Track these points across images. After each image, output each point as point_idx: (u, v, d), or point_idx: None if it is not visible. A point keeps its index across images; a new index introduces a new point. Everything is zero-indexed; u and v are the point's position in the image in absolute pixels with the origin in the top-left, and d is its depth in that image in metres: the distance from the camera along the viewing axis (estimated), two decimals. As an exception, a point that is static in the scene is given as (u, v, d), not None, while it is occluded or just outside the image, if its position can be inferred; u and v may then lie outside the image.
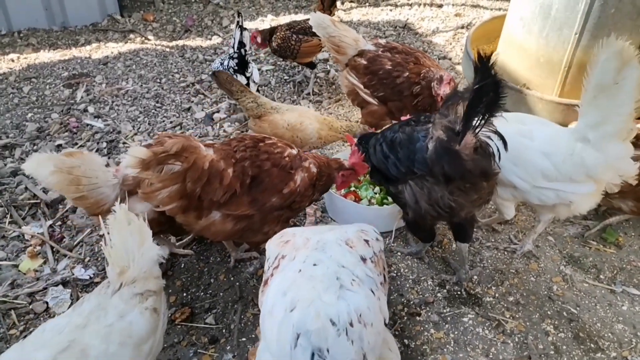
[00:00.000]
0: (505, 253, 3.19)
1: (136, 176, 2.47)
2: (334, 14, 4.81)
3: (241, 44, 4.53)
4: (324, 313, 1.63)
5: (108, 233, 2.06)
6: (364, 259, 1.97)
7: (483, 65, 2.06)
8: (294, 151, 2.84)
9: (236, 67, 4.50)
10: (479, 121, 2.15)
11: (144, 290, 2.08)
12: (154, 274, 2.16)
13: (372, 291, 1.86)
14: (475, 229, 3.22)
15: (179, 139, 2.43)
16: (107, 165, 2.83)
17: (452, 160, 2.27)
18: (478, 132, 2.23)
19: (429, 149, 2.35)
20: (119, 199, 2.56)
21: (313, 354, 1.59)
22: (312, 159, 2.86)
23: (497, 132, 2.33)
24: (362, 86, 3.77)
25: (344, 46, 3.81)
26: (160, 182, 2.39)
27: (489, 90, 2.06)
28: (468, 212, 2.59)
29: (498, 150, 2.35)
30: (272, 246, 2.14)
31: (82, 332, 1.90)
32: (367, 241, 2.07)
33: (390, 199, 3.30)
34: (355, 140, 2.99)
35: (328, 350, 1.58)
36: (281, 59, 5.40)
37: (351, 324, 1.64)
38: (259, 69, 5.60)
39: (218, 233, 2.70)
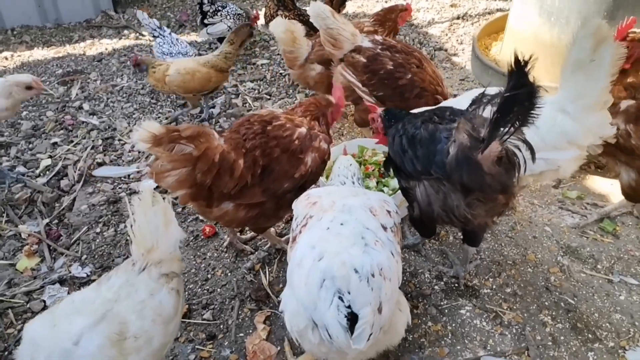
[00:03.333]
0: (502, 245, 3.18)
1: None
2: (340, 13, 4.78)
3: (201, 3, 5.47)
4: (349, 263, 1.79)
5: (133, 213, 2.08)
6: (384, 228, 2.10)
7: (519, 71, 1.86)
8: (303, 130, 2.76)
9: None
10: (507, 130, 1.98)
11: (169, 271, 2.12)
12: (178, 256, 2.21)
13: (392, 254, 2.01)
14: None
15: (194, 126, 2.49)
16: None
17: (472, 171, 2.13)
18: (505, 140, 2.04)
19: (449, 153, 2.21)
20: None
21: (335, 293, 1.75)
22: (312, 118, 2.86)
23: (525, 141, 2.13)
24: (360, 84, 3.71)
25: (342, 40, 3.74)
26: (170, 162, 2.38)
27: (524, 99, 1.89)
28: (482, 221, 2.47)
29: (525, 161, 2.17)
30: (300, 206, 2.30)
31: (116, 306, 1.94)
32: (389, 212, 2.22)
33: (386, 190, 3.29)
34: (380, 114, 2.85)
35: (349, 292, 1.74)
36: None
37: (373, 275, 1.81)
38: (253, 63, 5.58)
39: (232, 221, 2.72)
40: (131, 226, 2.08)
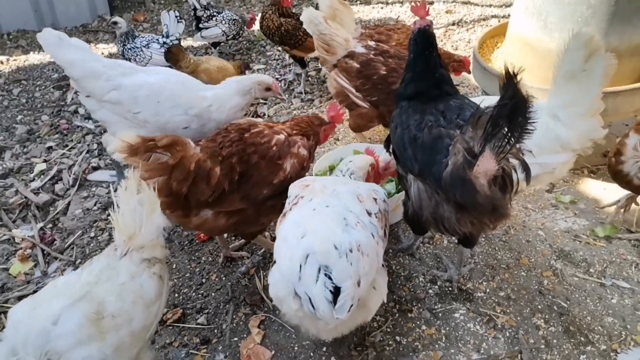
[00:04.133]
0: (496, 248, 3.20)
1: None
2: None
3: (194, 9, 5.52)
4: (328, 240, 1.98)
5: (117, 200, 2.13)
6: (369, 213, 2.24)
7: (509, 82, 1.85)
8: (282, 137, 2.79)
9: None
10: (502, 145, 1.93)
11: (151, 256, 2.19)
12: (160, 243, 2.28)
13: (372, 235, 2.15)
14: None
15: (170, 135, 2.53)
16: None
17: (466, 192, 2.11)
18: (502, 158, 2.00)
19: (447, 166, 2.16)
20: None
21: (320, 269, 1.92)
22: (299, 134, 2.87)
23: (523, 161, 2.12)
24: (353, 90, 3.72)
25: (335, 45, 3.76)
26: (146, 170, 2.38)
27: (516, 112, 1.86)
28: (470, 233, 2.47)
29: (518, 182, 2.17)
30: (294, 188, 2.47)
31: (96, 288, 1.99)
32: (375, 199, 2.35)
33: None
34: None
35: (331, 267, 1.91)
36: (276, 45, 5.45)
37: (351, 251, 1.97)
38: (250, 68, 5.60)
39: (212, 229, 2.73)
40: (115, 213, 2.13)
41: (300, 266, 1.94)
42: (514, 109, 1.86)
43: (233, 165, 2.61)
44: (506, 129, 1.90)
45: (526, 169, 2.13)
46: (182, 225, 2.71)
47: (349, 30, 3.98)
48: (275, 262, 2.21)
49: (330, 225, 2.06)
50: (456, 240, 2.87)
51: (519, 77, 1.85)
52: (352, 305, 1.89)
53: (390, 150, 2.75)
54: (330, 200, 2.24)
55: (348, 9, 3.99)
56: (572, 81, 2.60)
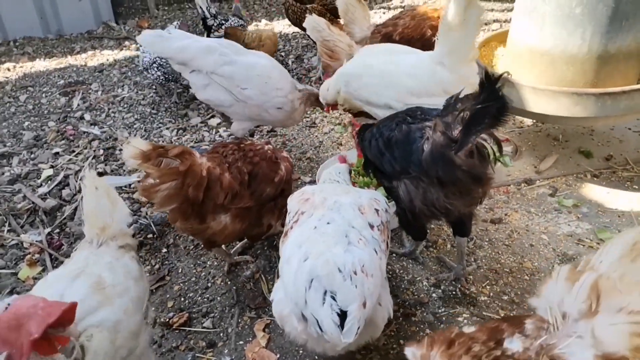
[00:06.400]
0: (499, 253, 3.22)
1: None
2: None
3: (204, 19, 5.76)
4: (332, 262, 1.92)
5: (82, 198, 2.26)
6: (371, 226, 2.21)
7: (490, 85, 2.03)
8: (270, 146, 3.10)
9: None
10: (478, 134, 2.16)
11: (124, 244, 2.33)
12: (129, 232, 2.42)
13: (376, 251, 2.12)
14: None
15: (180, 145, 2.67)
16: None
17: (446, 167, 2.29)
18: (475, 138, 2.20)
19: (424, 150, 2.36)
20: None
21: (325, 292, 1.88)
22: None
23: (492, 135, 2.27)
24: None
25: (338, 51, 3.81)
26: (159, 176, 2.48)
27: (494, 111, 2.05)
28: (463, 212, 2.61)
29: (494, 152, 2.29)
30: (293, 202, 2.42)
31: (88, 268, 2.08)
32: (377, 210, 2.32)
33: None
34: (357, 128, 3.14)
35: (337, 291, 1.87)
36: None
37: (355, 272, 1.93)
38: None
39: (230, 235, 2.83)
40: (84, 208, 2.25)
41: (305, 290, 1.91)
42: (495, 110, 2.04)
43: (240, 169, 2.80)
44: (483, 127, 2.11)
45: (497, 141, 2.29)
46: (196, 234, 2.81)
47: (361, 27, 4.32)
48: (279, 277, 2.22)
49: (332, 245, 2.02)
50: (452, 234, 2.92)
51: (500, 83, 2.03)
52: (359, 328, 1.86)
53: (370, 174, 2.92)
54: (331, 215, 2.20)
55: (361, 6, 4.16)
56: (454, 30, 2.97)
